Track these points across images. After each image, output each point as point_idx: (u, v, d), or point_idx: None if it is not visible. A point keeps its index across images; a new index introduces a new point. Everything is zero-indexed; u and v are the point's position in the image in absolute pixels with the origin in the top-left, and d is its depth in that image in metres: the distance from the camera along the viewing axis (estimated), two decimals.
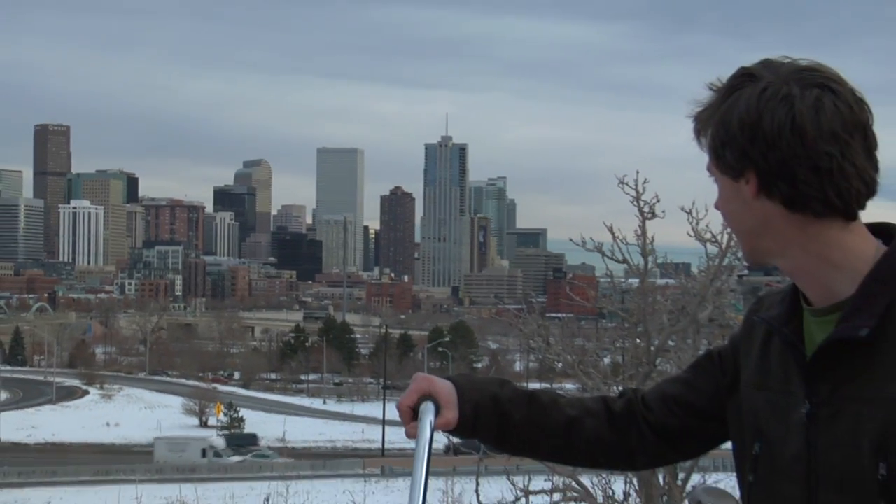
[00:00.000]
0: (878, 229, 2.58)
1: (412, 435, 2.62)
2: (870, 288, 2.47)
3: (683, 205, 21.49)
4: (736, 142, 2.51)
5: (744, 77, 2.54)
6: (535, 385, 3.02)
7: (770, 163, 2.50)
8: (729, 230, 21.07)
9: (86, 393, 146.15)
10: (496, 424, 2.79)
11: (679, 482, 18.71)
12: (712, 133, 2.53)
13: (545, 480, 19.48)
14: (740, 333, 2.83)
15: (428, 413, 2.63)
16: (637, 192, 21.53)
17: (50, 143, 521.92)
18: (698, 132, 2.56)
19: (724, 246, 21.27)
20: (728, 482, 2.71)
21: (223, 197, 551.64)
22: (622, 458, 2.93)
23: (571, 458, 2.97)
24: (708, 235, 21.30)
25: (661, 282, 23.47)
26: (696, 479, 18.96)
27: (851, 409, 2.44)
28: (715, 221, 21.51)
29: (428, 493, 2.47)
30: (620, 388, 3.06)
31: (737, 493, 2.33)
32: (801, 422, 2.52)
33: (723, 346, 2.91)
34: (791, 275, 2.57)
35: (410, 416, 2.64)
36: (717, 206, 2.58)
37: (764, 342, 2.71)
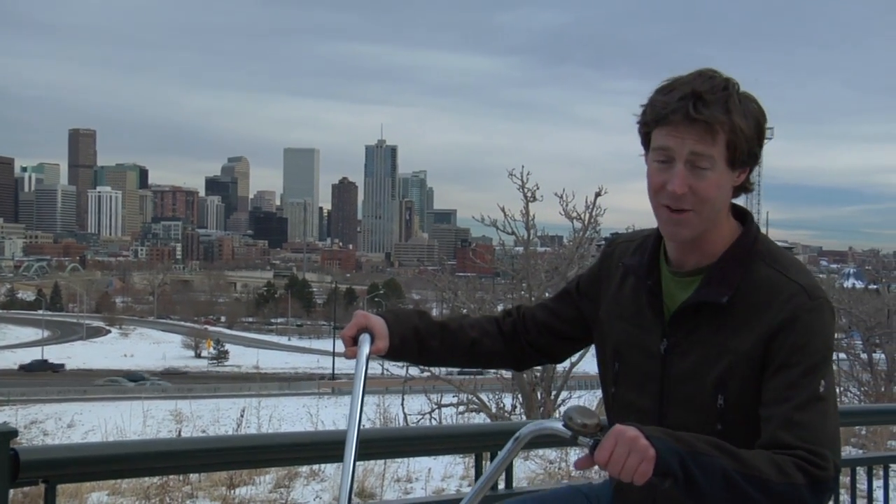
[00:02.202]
0: (734, 211, 2.55)
1: (351, 357, 2.62)
2: (728, 261, 2.46)
3: (556, 191, 21.61)
4: (759, 140, 2.42)
5: (730, 81, 2.41)
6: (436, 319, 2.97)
7: (758, 161, 2.47)
8: (589, 214, 21.29)
9: (108, 332, 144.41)
10: (417, 350, 2.79)
11: (552, 397, 18.80)
12: (742, 131, 2.36)
13: (453, 396, 19.50)
14: (599, 270, 2.80)
15: (364, 342, 2.63)
16: (522, 182, 21.60)
17: (81, 142, 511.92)
18: (713, 130, 2.34)
19: (586, 222, 21.37)
20: (588, 397, 2.70)
21: (213, 184, 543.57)
22: (511, 363, 2.98)
23: (473, 365, 2.98)
24: (575, 214, 21.42)
25: (540, 249, 23.48)
26: (564, 395, 19.05)
27: (701, 350, 2.45)
28: (580, 203, 21.65)
29: (364, 404, 2.48)
30: (509, 308, 3.01)
31: (595, 409, 2.33)
32: (659, 354, 2.52)
33: (583, 277, 2.87)
34: (694, 243, 2.48)
35: (351, 344, 2.65)
36: (695, 190, 2.37)
37: (620, 282, 2.69)
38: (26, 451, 3.31)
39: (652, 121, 2.41)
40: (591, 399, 18.65)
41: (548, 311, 2.90)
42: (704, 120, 2.32)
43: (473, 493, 2.54)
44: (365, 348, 2.61)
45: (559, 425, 2.20)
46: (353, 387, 2.48)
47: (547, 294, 20.90)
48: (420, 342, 2.78)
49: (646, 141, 2.46)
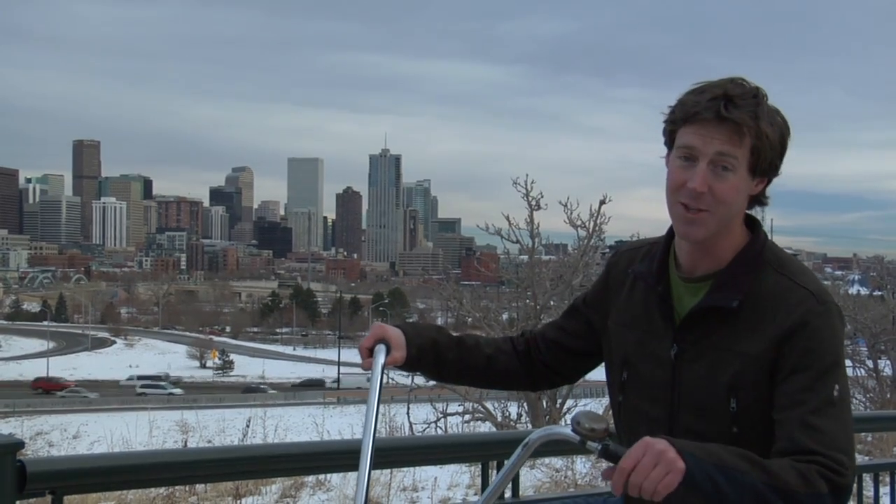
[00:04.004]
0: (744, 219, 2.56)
1: (367, 368, 2.62)
2: (737, 267, 2.48)
3: (561, 200, 21.65)
4: (781, 151, 2.45)
5: (759, 90, 2.42)
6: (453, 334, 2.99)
7: (777, 174, 2.50)
8: (594, 221, 21.30)
9: (113, 342, 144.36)
10: (433, 362, 2.81)
11: (557, 405, 18.81)
12: (767, 138, 2.39)
13: (458, 405, 19.51)
14: (606, 280, 2.81)
15: (380, 353, 2.64)
16: (526, 190, 21.66)
17: (85, 153, 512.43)
18: (740, 132, 2.37)
19: (590, 230, 21.40)
20: (594, 404, 2.71)
21: (217, 195, 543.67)
22: (526, 383, 3.00)
23: (489, 384, 3.02)
24: (579, 223, 21.46)
25: (545, 257, 23.50)
26: (569, 403, 19.06)
27: (712, 355, 2.46)
28: (584, 211, 21.65)
29: (379, 413, 2.48)
30: (522, 329, 3.05)
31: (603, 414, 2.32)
32: (670, 359, 2.53)
33: (588, 292, 2.89)
34: (705, 248, 2.50)
35: (367, 354, 2.65)
36: (714, 191, 2.39)
37: (629, 290, 2.70)
38: (33, 462, 3.32)
39: (680, 119, 2.43)
40: (597, 407, 18.65)
41: (557, 329, 2.92)
42: (734, 120, 2.35)
43: (482, 501, 2.54)
44: (380, 358, 2.62)
45: (568, 430, 2.22)
46: (369, 397, 2.50)
47: (552, 302, 20.93)
48: (437, 354, 2.80)
49: (670, 140, 2.48)
